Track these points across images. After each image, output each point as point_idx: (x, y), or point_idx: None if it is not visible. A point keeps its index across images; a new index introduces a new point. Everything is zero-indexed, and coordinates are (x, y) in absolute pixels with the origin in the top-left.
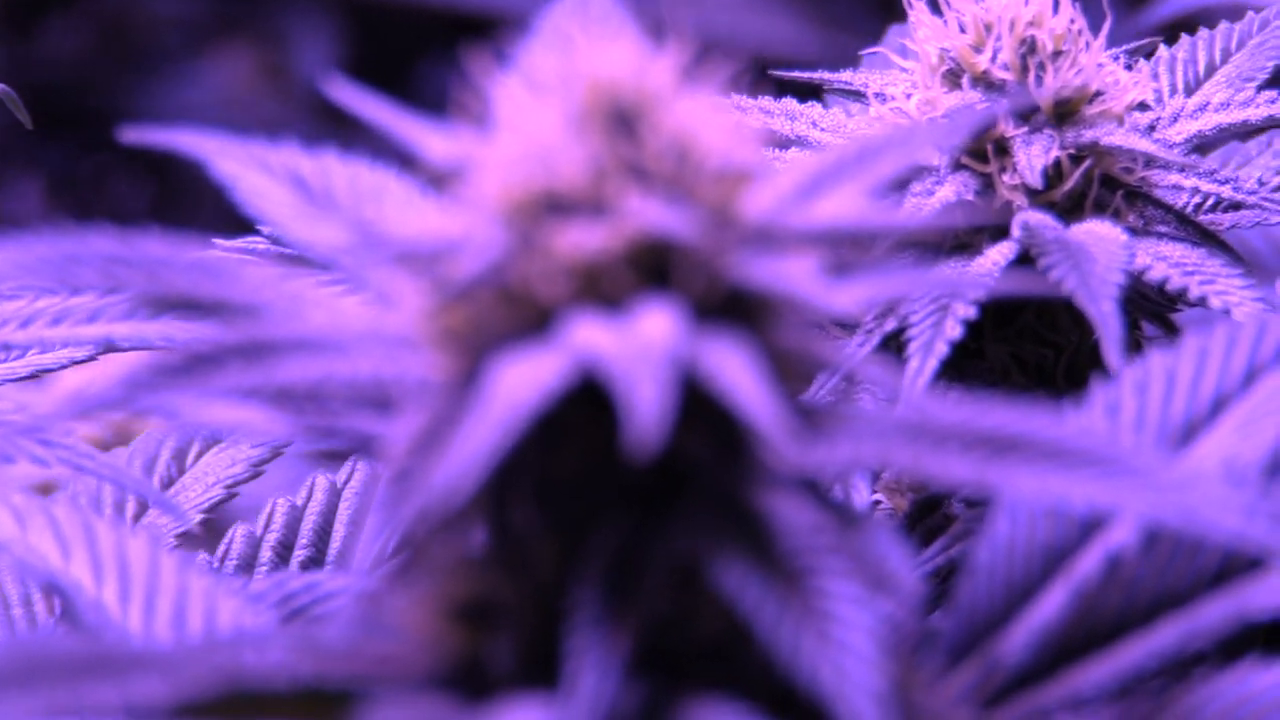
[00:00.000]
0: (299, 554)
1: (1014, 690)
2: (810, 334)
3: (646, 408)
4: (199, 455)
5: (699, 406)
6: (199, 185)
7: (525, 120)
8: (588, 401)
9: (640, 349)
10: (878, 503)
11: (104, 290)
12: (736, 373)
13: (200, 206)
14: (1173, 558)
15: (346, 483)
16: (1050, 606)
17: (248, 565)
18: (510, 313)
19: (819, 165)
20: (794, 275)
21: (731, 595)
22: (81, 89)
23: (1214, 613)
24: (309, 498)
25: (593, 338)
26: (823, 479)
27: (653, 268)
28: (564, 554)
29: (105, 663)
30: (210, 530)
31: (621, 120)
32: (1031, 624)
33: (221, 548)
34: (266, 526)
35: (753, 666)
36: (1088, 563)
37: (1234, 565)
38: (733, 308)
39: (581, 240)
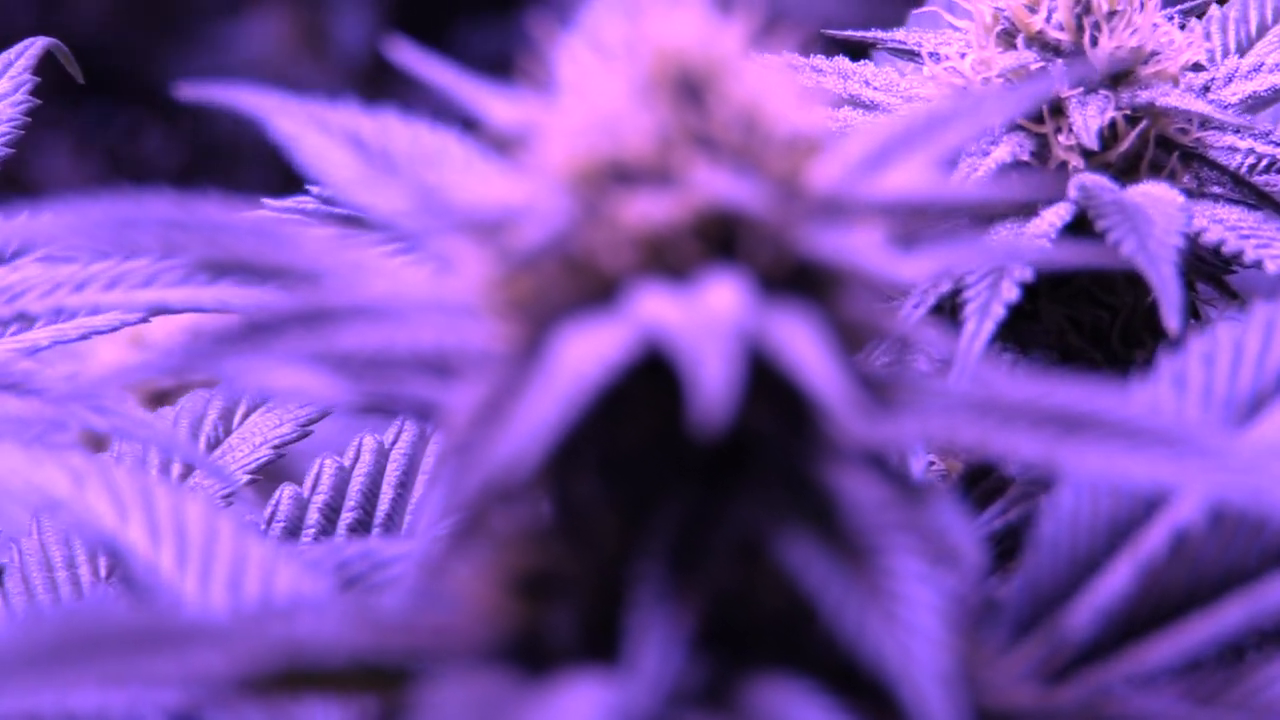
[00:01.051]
0: (346, 516)
1: (1079, 666)
2: (875, 305)
3: (713, 382)
4: (246, 415)
5: (765, 380)
6: (230, 148)
7: (590, 87)
8: (653, 374)
9: (706, 322)
10: (931, 463)
11: (160, 255)
12: (804, 347)
13: (233, 169)
14: (1238, 535)
15: (394, 444)
16: (1116, 582)
17: (295, 527)
18: (574, 283)
19: (887, 135)
20: (861, 247)
21: (796, 572)
22: (115, 52)
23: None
24: (356, 459)
25: (658, 309)
26: (887, 451)
27: (719, 239)
28: (627, 527)
29: (163, 635)
30: (258, 489)
31: (689, 89)
32: (1097, 600)
33: (269, 509)
34: (314, 488)
35: (816, 644)
36: (1153, 539)
37: None
38: (799, 280)
39: (648, 210)
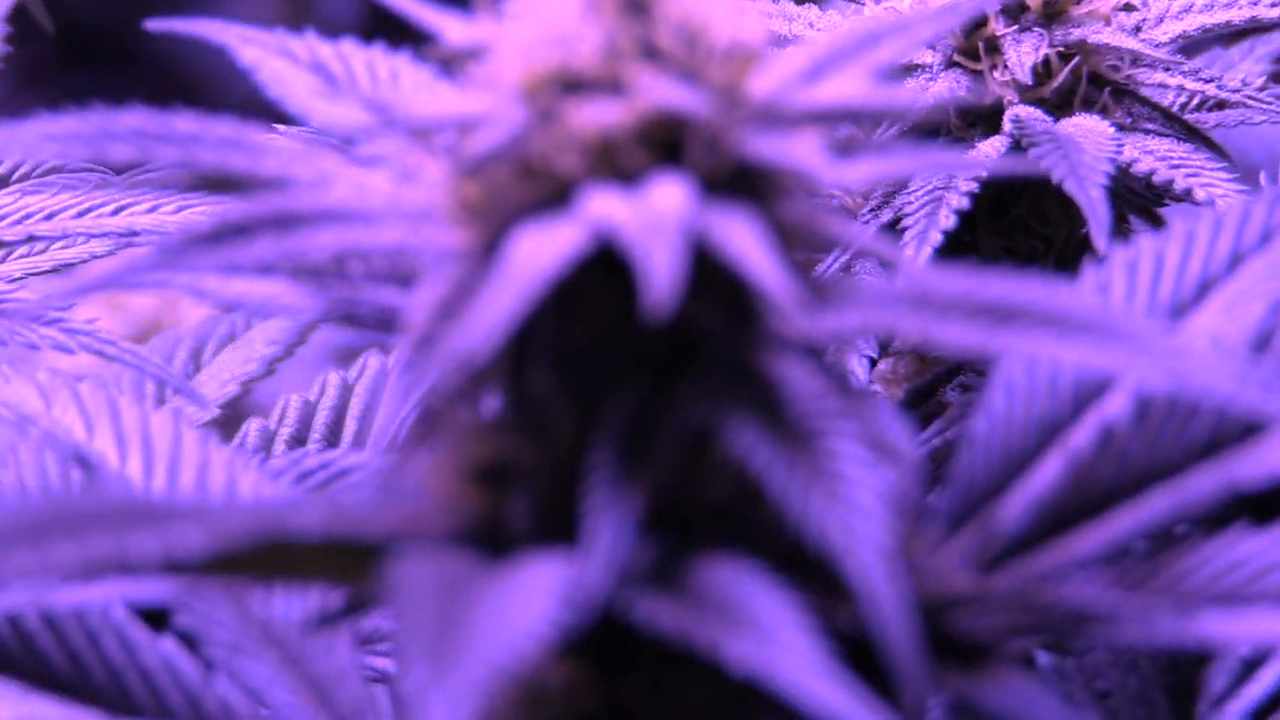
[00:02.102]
0: (311, 446)
1: (1011, 556)
2: (816, 209)
3: (660, 273)
4: (215, 353)
5: (710, 276)
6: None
7: (542, 4)
8: (604, 271)
9: (653, 218)
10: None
11: (135, 159)
12: (744, 241)
13: None
14: (1164, 429)
15: (358, 379)
16: (1045, 476)
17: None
18: (529, 187)
19: (823, 49)
20: (798, 151)
21: (743, 456)
22: (105, 21)
23: (1204, 483)
24: (321, 393)
25: (608, 208)
26: (830, 350)
27: (665, 144)
28: (581, 418)
29: (144, 512)
30: (225, 427)
31: (634, 3)
32: (1027, 493)
33: (236, 440)
34: (280, 420)
35: (763, 526)
36: (1081, 434)
37: (1223, 437)
38: (741, 182)
39: (597, 116)
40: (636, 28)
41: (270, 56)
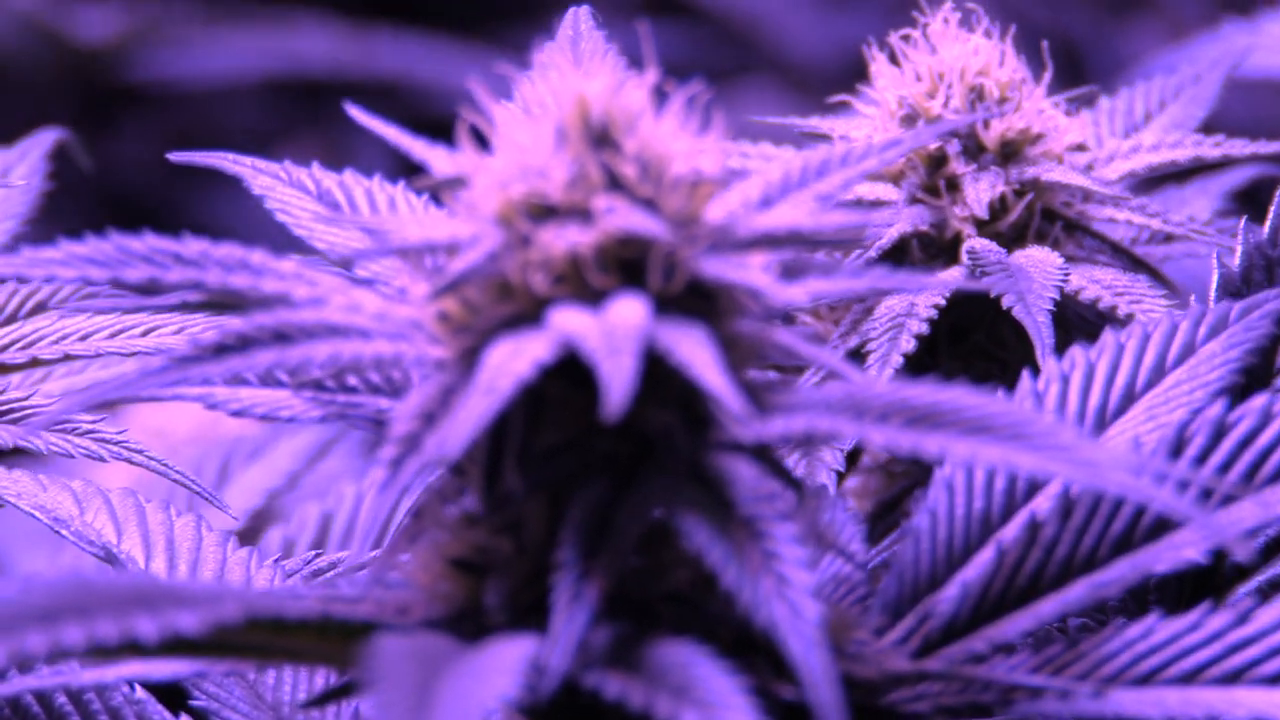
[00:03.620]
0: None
1: (946, 641)
2: (767, 327)
3: (617, 378)
4: (242, 467)
5: (665, 383)
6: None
7: (518, 137)
8: (569, 381)
9: (613, 330)
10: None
11: (148, 282)
12: (695, 351)
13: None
14: (1088, 526)
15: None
16: (979, 566)
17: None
18: (504, 303)
19: (776, 178)
20: (747, 270)
21: (697, 548)
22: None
23: (1121, 570)
24: (338, 503)
25: (573, 322)
26: (784, 456)
27: (627, 264)
28: (550, 514)
29: (149, 595)
30: (250, 537)
31: (600, 136)
32: (961, 583)
33: (258, 545)
34: (300, 529)
35: (716, 612)
36: (1012, 530)
37: (1140, 532)
38: (696, 299)
39: (565, 240)
40: (602, 160)
41: (279, 185)
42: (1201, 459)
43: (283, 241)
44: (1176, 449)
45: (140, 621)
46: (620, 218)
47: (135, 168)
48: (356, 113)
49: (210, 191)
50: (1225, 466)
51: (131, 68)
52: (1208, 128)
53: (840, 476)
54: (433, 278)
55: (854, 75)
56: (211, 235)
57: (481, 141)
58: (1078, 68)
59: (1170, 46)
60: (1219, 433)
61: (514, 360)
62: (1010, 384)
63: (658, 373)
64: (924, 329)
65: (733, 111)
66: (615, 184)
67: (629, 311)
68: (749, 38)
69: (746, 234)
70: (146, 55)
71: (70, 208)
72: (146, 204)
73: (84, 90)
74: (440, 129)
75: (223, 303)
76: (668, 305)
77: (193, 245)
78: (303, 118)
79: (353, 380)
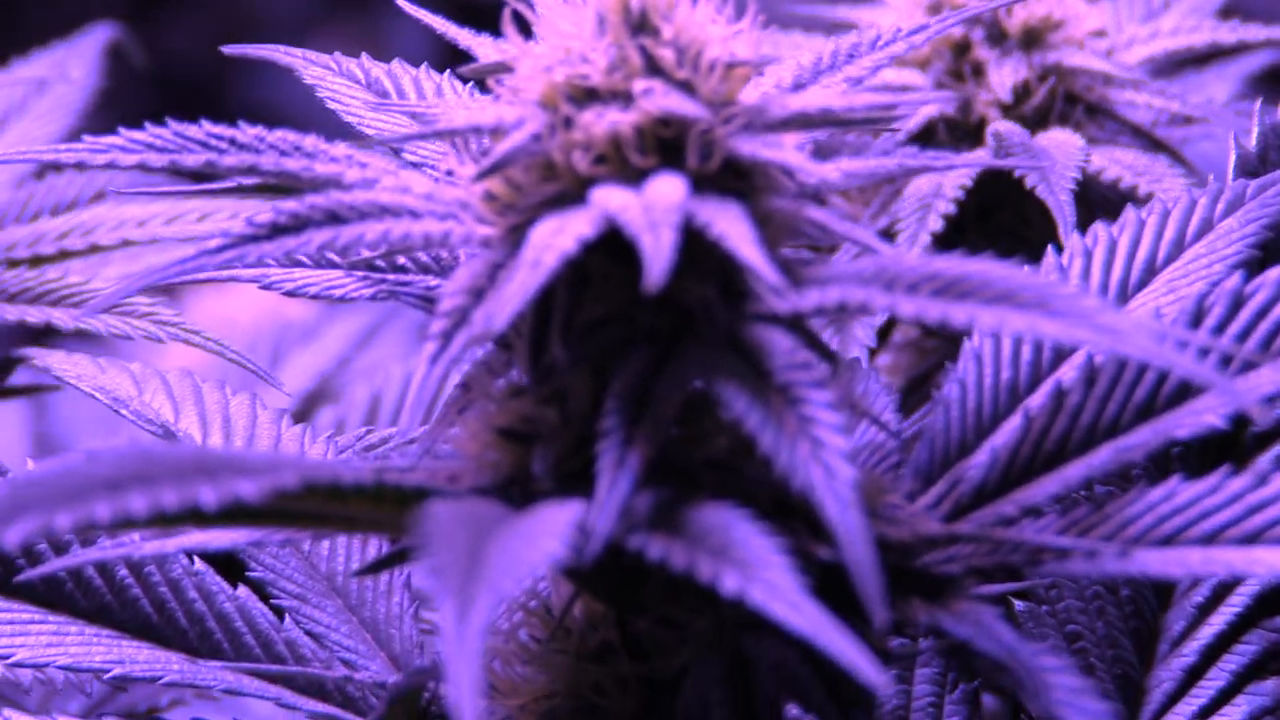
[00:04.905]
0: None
1: (976, 505)
2: (803, 205)
3: (658, 252)
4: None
5: (704, 257)
6: None
7: (561, 24)
8: (611, 256)
9: (653, 206)
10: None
11: (205, 167)
12: (732, 225)
13: None
14: (1111, 393)
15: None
16: (1006, 434)
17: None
18: (548, 182)
19: (808, 62)
20: (781, 149)
21: (735, 415)
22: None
23: (1144, 436)
24: (387, 384)
25: (615, 199)
26: (818, 326)
27: (666, 145)
28: (594, 385)
29: (208, 465)
30: (302, 418)
31: (639, 22)
32: (990, 448)
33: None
34: (350, 409)
35: (754, 478)
36: (1039, 398)
37: (1160, 397)
38: (732, 178)
39: (606, 122)
40: (641, 45)
41: (330, 76)
42: (1220, 328)
43: (329, 129)
44: (1196, 319)
45: (202, 489)
46: (658, 99)
47: (181, 58)
48: (402, 1)
49: (254, 80)
50: (1243, 335)
51: None
52: (1225, 14)
53: (872, 353)
54: (479, 160)
55: None
56: (260, 123)
57: (523, 29)
58: None
59: None
60: (1237, 303)
61: (558, 236)
62: (1036, 262)
63: (696, 248)
64: (951, 209)
65: (763, 1)
66: (654, 68)
67: (668, 188)
68: None
69: (780, 114)
70: None
71: (120, 99)
72: (194, 93)
73: None
74: (476, 16)
75: (276, 187)
76: (705, 183)
77: (248, 130)
78: (342, 2)
79: (402, 260)
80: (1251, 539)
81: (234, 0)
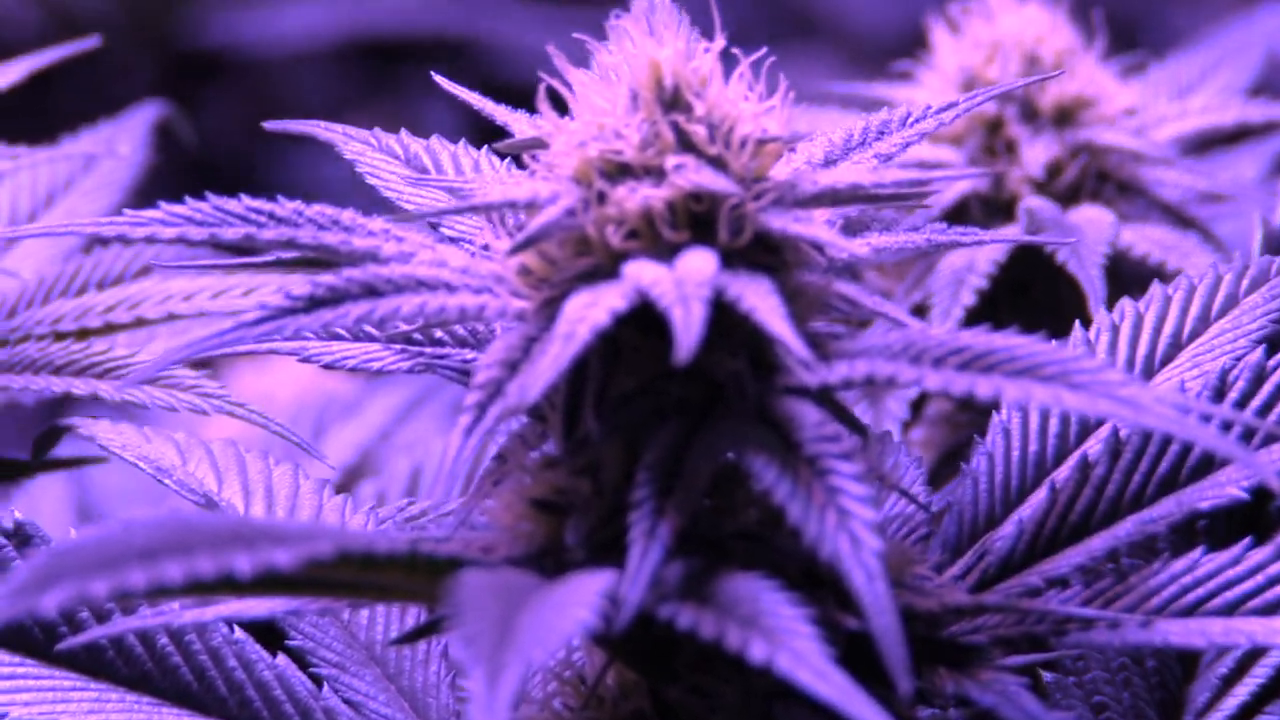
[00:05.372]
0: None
1: (1002, 576)
2: (831, 278)
3: (689, 324)
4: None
5: (734, 331)
6: None
7: (595, 100)
8: (643, 330)
9: (684, 279)
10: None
11: (243, 242)
12: (761, 299)
13: None
14: (1135, 465)
15: None
16: (1032, 506)
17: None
18: (582, 256)
19: (838, 138)
20: (811, 224)
21: (764, 487)
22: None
23: (1168, 507)
24: (427, 458)
25: (647, 273)
26: (850, 405)
27: (697, 221)
28: (626, 456)
29: (243, 535)
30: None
31: (672, 99)
32: (1017, 520)
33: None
34: (390, 481)
35: (783, 549)
36: (1065, 471)
37: (1184, 470)
38: (762, 253)
39: (639, 195)
40: (674, 121)
41: (370, 151)
42: (1243, 402)
43: (364, 205)
44: (1219, 393)
45: (237, 558)
46: (690, 175)
47: (215, 140)
48: (440, 79)
49: (287, 162)
50: (1265, 409)
51: (208, 32)
52: (1255, 92)
53: (905, 427)
54: (514, 234)
55: (911, 46)
56: (296, 198)
57: (557, 105)
58: (1130, 41)
59: (1222, 20)
60: (1259, 378)
61: (591, 310)
62: (1067, 337)
63: (726, 321)
64: (984, 284)
65: (795, 79)
66: (686, 144)
67: (699, 263)
68: (809, 8)
69: (810, 190)
70: (222, 19)
71: (158, 181)
72: (228, 176)
73: (161, 58)
74: (507, 93)
75: (316, 261)
76: (736, 258)
77: (286, 205)
78: (374, 83)
79: (439, 333)
80: (1273, 609)
81: (267, 82)
